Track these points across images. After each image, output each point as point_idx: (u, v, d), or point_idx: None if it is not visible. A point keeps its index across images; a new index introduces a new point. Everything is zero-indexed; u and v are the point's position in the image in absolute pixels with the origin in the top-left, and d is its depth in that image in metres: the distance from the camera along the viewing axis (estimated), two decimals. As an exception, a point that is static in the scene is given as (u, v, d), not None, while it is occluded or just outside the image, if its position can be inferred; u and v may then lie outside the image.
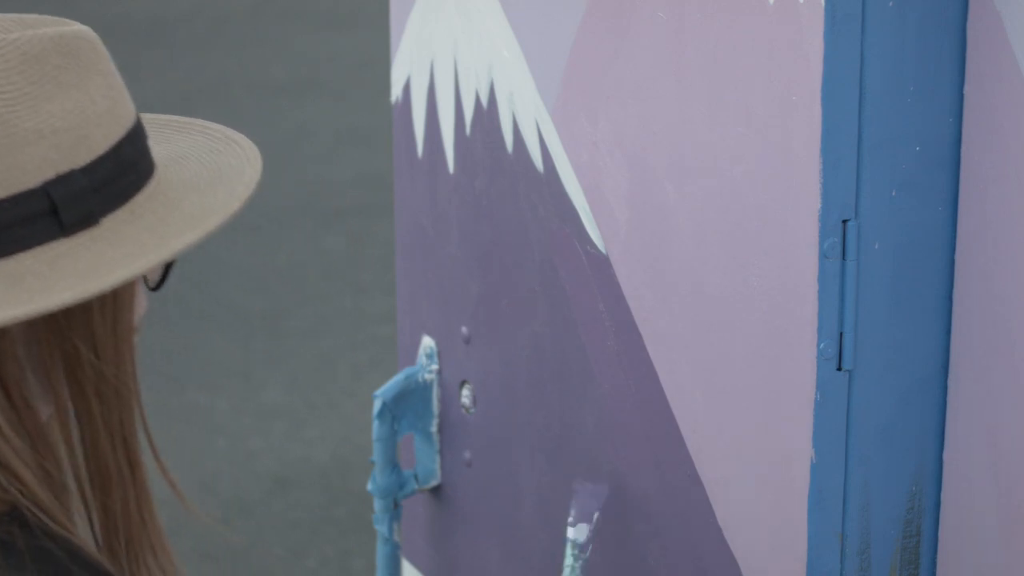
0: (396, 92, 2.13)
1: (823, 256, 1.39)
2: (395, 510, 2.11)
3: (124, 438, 1.03)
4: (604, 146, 1.68)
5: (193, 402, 4.65)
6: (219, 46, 8.80)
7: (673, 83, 1.53)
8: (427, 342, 2.11)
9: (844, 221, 1.39)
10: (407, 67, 2.08)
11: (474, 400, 2.05)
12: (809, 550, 1.51)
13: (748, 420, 1.57)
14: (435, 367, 2.10)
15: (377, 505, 2.11)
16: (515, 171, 1.90)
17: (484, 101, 1.94)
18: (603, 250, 1.72)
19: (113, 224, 0.98)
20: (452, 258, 2.06)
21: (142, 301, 1.08)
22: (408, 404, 2.12)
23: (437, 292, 2.09)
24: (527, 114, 1.86)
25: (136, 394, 1.05)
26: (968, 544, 1.52)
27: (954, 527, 1.53)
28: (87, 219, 0.97)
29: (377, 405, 2.08)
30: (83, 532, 1.03)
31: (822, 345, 1.43)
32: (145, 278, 1.07)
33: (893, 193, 1.42)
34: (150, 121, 1.12)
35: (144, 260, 0.97)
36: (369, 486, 2.11)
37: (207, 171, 1.06)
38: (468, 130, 2.00)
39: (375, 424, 2.08)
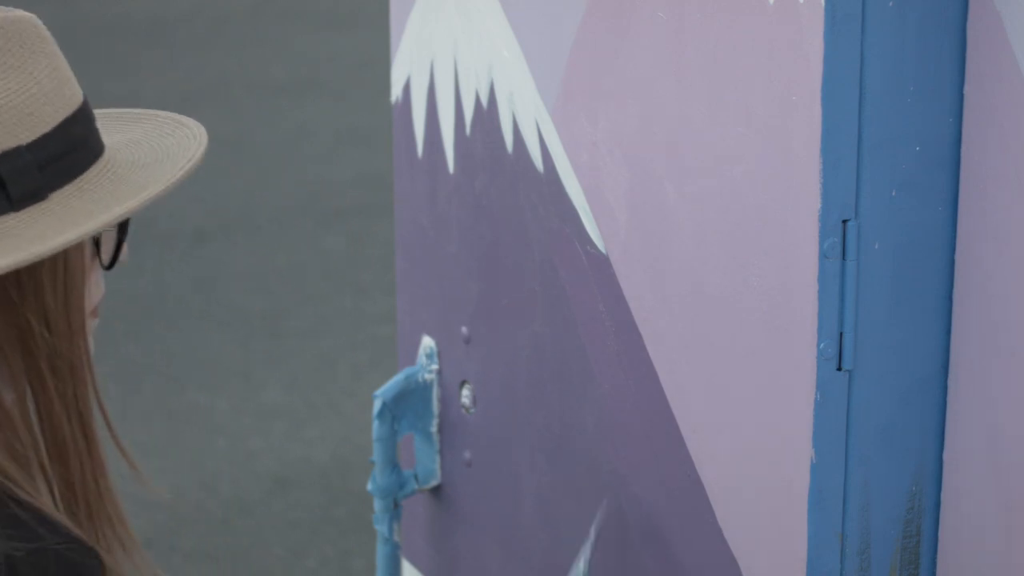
0: (396, 92, 2.13)
1: (823, 256, 1.39)
2: (395, 510, 2.11)
3: (79, 412, 1.05)
4: (604, 146, 1.68)
5: (193, 402, 4.65)
6: (219, 46, 8.80)
7: (673, 83, 1.53)
8: (427, 342, 2.11)
9: (844, 221, 1.39)
10: (407, 67, 2.08)
11: (474, 400, 2.05)
12: (809, 550, 1.51)
13: (748, 420, 1.57)
14: (435, 367, 2.10)
15: (377, 505, 2.11)
16: (515, 171, 1.90)
17: (484, 101, 1.94)
18: (603, 250, 1.72)
19: (62, 199, 1.00)
20: (452, 258, 2.06)
21: (100, 285, 1.10)
22: (408, 404, 2.12)
23: (437, 292, 2.09)
24: (527, 114, 1.86)
25: (90, 368, 1.07)
26: (968, 544, 1.52)
27: (954, 527, 1.54)
28: (35, 194, 0.99)
29: (377, 405, 2.08)
30: (47, 503, 1.04)
31: (822, 345, 1.43)
32: (100, 258, 1.08)
33: (893, 193, 1.42)
34: (105, 115, 1.14)
35: (88, 225, 0.98)
36: (369, 486, 2.11)
37: (156, 152, 1.08)
38: (468, 130, 2.00)
39: (375, 424, 2.08)
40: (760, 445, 1.56)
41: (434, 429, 2.10)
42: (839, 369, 1.44)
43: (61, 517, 1.02)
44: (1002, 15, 1.32)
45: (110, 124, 1.13)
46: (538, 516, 1.93)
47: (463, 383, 2.05)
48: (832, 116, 1.36)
